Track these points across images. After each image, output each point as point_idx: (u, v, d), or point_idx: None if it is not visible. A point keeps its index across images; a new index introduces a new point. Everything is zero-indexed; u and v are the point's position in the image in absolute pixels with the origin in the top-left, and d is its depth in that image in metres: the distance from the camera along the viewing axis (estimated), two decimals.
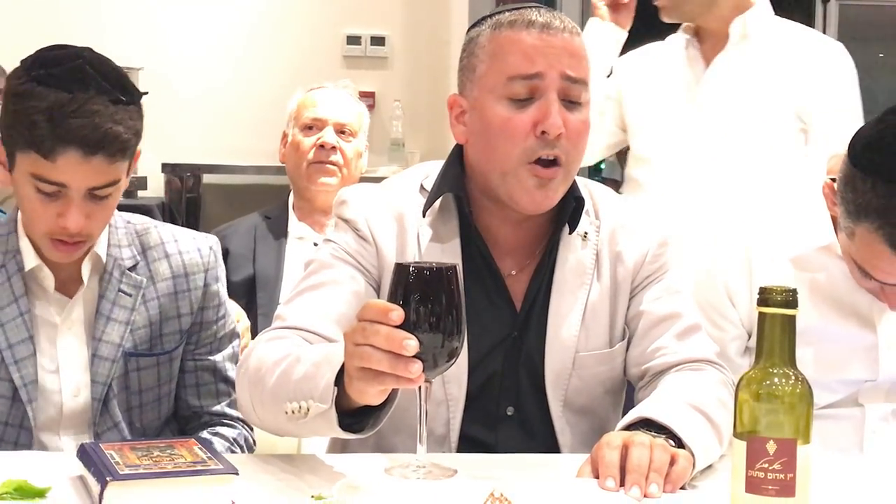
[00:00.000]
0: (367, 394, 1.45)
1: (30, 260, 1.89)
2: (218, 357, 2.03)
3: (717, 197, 2.74)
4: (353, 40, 5.40)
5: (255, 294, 2.85)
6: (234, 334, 2.07)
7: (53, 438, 1.90)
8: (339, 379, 1.48)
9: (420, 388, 1.47)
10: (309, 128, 3.03)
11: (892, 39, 6.19)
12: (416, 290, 1.41)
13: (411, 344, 1.37)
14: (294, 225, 3.02)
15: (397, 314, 1.39)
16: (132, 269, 1.94)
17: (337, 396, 1.48)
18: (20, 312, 1.88)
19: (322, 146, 2.98)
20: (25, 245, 1.89)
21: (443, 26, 5.32)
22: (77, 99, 1.75)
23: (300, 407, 1.53)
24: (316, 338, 1.71)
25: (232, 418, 2.04)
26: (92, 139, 1.76)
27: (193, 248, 2.00)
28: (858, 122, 2.74)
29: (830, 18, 5.66)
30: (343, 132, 3.03)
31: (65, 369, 1.90)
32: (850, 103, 2.79)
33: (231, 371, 2.04)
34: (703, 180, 2.79)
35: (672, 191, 2.80)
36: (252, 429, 2.06)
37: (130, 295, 1.93)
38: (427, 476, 1.51)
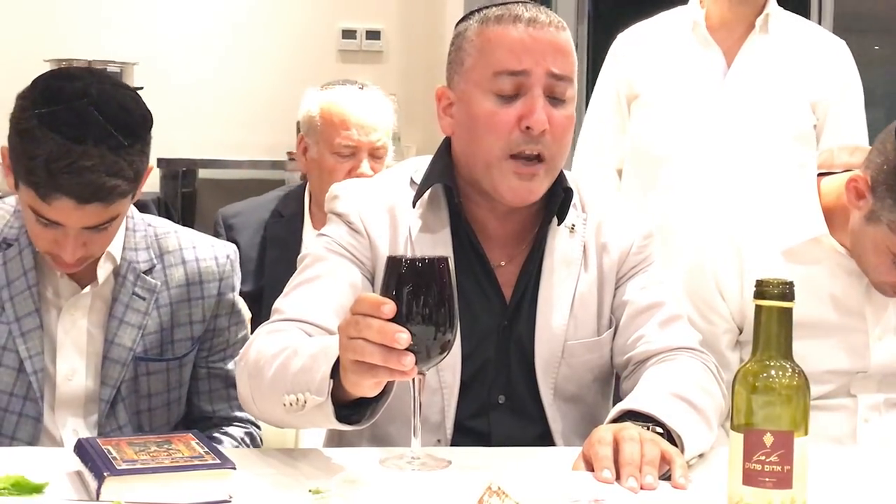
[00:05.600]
0: (362, 386, 1.45)
1: None
2: (230, 365, 2.04)
3: (741, 193, 2.67)
4: (349, 34, 5.39)
5: (260, 307, 2.56)
6: (246, 340, 2.04)
7: (51, 416, 1.91)
8: (336, 371, 1.48)
9: (414, 380, 1.48)
10: (342, 154, 2.79)
11: (888, 32, 6.18)
12: (408, 282, 1.42)
13: (403, 337, 1.39)
14: (309, 233, 2.82)
15: (389, 308, 1.40)
16: (148, 272, 1.95)
17: (333, 388, 1.49)
18: (28, 286, 1.90)
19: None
20: None
21: (438, 20, 5.31)
22: (72, 153, 1.72)
23: (297, 399, 1.54)
24: (315, 329, 1.72)
25: (241, 420, 2.05)
26: (85, 193, 1.74)
27: (210, 255, 2.01)
28: (863, 116, 2.79)
29: (826, 10, 5.64)
30: (377, 156, 2.81)
31: (60, 350, 1.91)
32: (860, 98, 2.81)
33: None
34: (728, 177, 2.73)
35: (698, 188, 2.74)
36: (259, 426, 2.07)
37: (144, 298, 1.94)
38: (422, 468, 1.52)
